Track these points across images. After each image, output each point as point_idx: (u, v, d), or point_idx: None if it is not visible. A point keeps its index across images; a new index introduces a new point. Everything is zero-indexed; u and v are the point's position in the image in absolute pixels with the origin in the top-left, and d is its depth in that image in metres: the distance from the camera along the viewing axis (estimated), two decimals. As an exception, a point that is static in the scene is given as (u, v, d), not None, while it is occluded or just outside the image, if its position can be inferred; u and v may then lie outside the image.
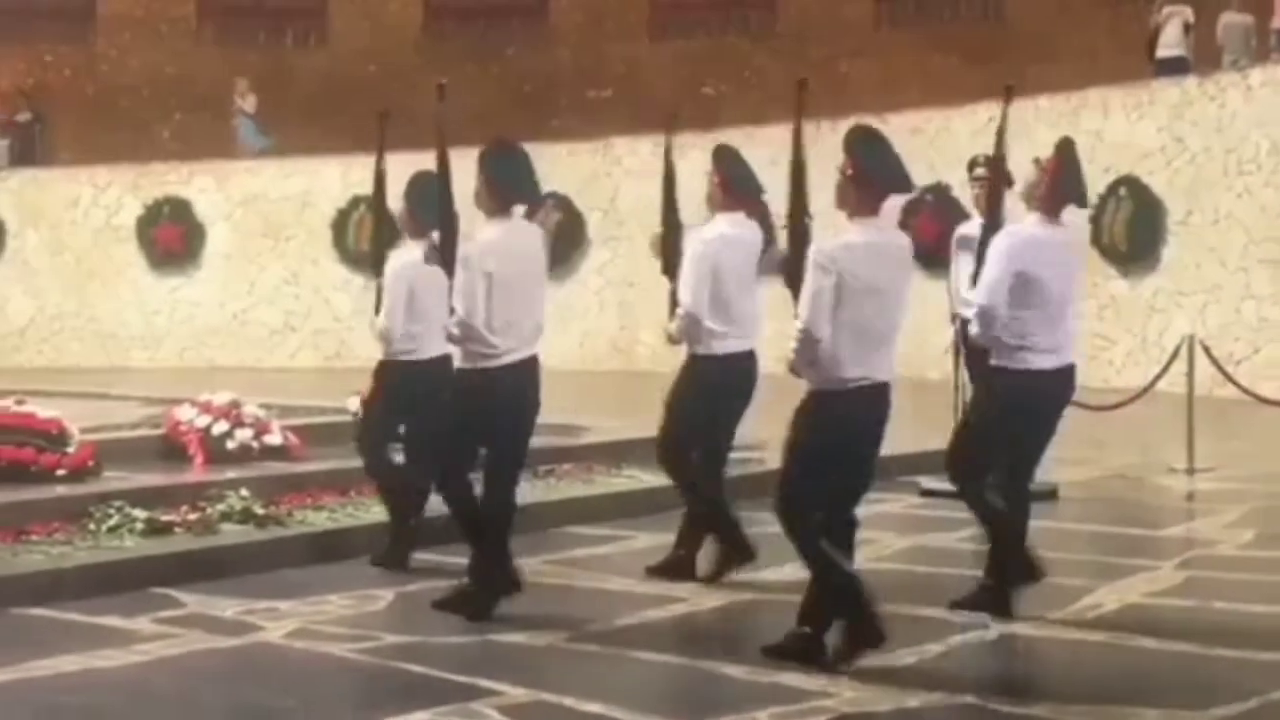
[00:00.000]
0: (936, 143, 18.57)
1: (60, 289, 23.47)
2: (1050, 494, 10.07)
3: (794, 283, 6.06)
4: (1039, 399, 6.83)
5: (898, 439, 10.62)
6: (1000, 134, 7.43)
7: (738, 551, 7.59)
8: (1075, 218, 7.06)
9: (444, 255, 6.95)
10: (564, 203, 21.93)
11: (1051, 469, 10.33)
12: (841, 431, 6.01)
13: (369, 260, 8.47)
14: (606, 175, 21.67)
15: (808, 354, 5.92)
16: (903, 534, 8.96)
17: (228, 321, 23.32)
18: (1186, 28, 19.18)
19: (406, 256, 7.78)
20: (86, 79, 25.78)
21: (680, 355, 7.79)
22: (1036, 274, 6.71)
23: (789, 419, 6.08)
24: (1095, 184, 17.68)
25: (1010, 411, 6.83)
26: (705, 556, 7.70)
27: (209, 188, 23.42)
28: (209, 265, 23.43)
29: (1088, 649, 6.46)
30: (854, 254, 5.90)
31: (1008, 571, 6.91)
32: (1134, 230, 17.81)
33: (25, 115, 24.69)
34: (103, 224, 23.53)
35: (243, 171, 23.52)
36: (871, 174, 5.98)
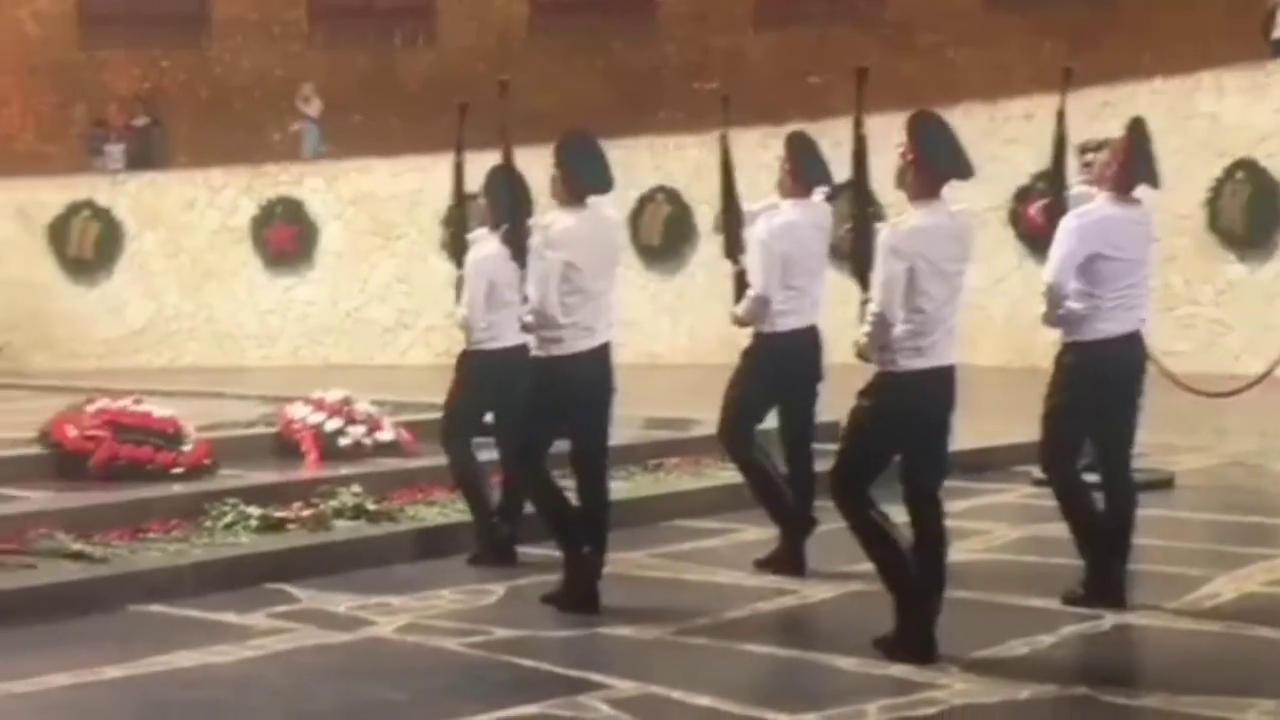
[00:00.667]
0: (1048, 128, 18.29)
1: (178, 290, 23.78)
2: (1166, 482, 9.95)
3: (859, 269, 6.10)
4: (1108, 365, 6.76)
5: (1010, 429, 10.66)
6: (1060, 116, 7.36)
7: (799, 528, 7.64)
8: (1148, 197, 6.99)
9: (514, 246, 7.01)
10: (672, 196, 21.93)
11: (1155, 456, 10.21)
12: (906, 415, 6.02)
13: (450, 251, 8.57)
14: (714, 168, 21.58)
15: (881, 338, 5.94)
16: (1015, 524, 8.89)
17: (340, 320, 23.53)
18: (1303, 8, 18.83)
19: (486, 248, 7.87)
20: (201, 82, 26.13)
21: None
22: (1108, 253, 6.70)
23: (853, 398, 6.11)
24: (1211, 168, 17.46)
25: (1082, 382, 6.76)
26: (811, 547, 7.67)
27: (320, 188, 23.66)
28: (321, 264, 23.66)
29: (1204, 639, 6.37)
30: (923, 237, 5.92)
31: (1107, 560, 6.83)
32: (1252, 214, 17.47)
33: (142, 120, 25.06)
34: (218, 225, 23.82)
35: (352, 171, 23.71)
36: (931, 158, 6.00)
